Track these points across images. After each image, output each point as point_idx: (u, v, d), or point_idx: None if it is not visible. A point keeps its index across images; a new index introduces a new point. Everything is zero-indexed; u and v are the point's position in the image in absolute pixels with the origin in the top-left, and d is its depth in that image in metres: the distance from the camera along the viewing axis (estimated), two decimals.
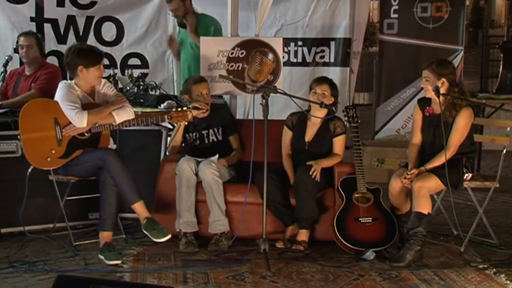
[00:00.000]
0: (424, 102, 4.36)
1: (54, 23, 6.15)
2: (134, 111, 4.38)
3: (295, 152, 4.61)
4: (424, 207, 4.09)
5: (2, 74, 5.14)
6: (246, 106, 5.83)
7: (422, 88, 4.36)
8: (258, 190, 4.31)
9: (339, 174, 4.45)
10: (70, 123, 4.20)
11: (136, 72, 5.48)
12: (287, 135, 4.64)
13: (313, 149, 4.53)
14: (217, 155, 4.54)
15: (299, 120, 4.62)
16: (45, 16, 6.12)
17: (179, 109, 4.38)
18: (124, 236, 4.59)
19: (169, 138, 4.80)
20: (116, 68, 6.16)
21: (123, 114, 4.29)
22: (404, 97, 6.58)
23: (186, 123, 4.46)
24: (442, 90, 4.22)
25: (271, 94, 4.20)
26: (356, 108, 4.59)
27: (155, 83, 5.28)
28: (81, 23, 6.22)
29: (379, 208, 4.37)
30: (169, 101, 5.02)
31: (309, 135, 4.59)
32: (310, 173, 4.30)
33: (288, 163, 4.56)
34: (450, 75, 4.25)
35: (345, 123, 4.66)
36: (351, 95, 6.37)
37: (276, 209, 4.42)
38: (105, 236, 4.21)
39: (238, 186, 4.50)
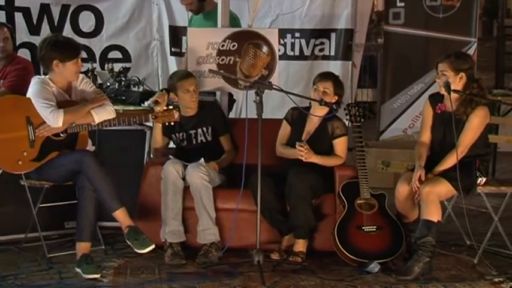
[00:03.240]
0: (436, 99, 4.38)
1: (26, 11, 6.12)
2: (115, 110, 4.38)
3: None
4: (433, 214, 4.10)
5: None
6: (238, 104, 5.83)
7: (431, 84, 4.38)
8: (252, 195, 4.32)
9: (340, 178, 4.47)
10: (44, 122, 4.19)
11: (117, 67, 5.46)
12: (285, 129, 4.68)
13: (309, 148, 4.52)
14: (202, 159, 4.55)
15: (299, 116, 4.65)
16: (16, 4, 6.10)
17: (165, 108, 4.39)
18: (103, 246, 4.58)
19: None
20: (95, 61, 6.14)
21: (103, 113, 4.29)
22: (411, 94, 6.58)
23: (173, 123, 4.46)
24: (459, 86, 4.22)
25: (266, 91, 4.20)
26: (359, 106, 4.61)
27: (138, 79, 5.27)
28: (56, 12, 6.20)
29: (384, 215, 4.38)
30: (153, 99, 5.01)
31: (307, 134, 4.63)
32: (299, 152, 4.35)
33: (284, 148, 4.59)
34: (469, 70, 4.26)
35: (347, 123, 4.68)
36: (353, 92, 6.37)
37: (271, 216, 4.44)
38: (83, 247, 4.20)
39: (229, 192, 4.50)
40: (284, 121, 4.71)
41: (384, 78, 6.91)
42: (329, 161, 4.53)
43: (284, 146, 4.65)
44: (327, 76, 4.65)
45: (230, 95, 5.46)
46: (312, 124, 4.64)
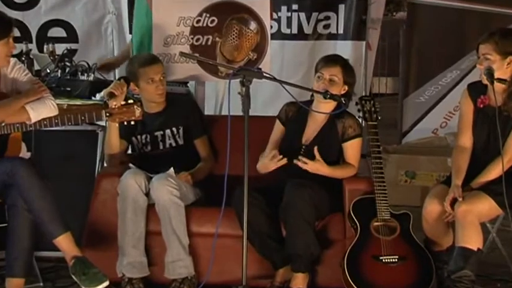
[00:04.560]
0: (477, 89, 4.40)
1: None
2: (58, 105, 4.38)
3: (286, 157, 4.61)
4: (472, 240, 4.12)
5: None
6: (219, 97, 5.84)
7: (470, 71, 4.40)
8: (236, 216, 4.35)
9: (350, 193, 4.50)
10: None
11: (60, 48, 5.46)
12: (278, 130, 4.71)
13: (312, 155, 4.53)
14: (171, 168, 4.57)
15: (297, 114, 4.68)
16: None
17: (123, 102, 4.41)
18: (41, 284, 4.58)
19: None
20: (31, 42, 6.13)
21: (42, 109, 4.28)
22: (444, 83, 6.59)
23: (133, 122, 4.47)
24: (507, 74, 4.24)
25: (255, 80, 4.21)
26: (375, 100, 4.64)
27: (88, 64, 5.28)
28: None
29: (409, 242, 4.40)
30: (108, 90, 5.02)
31: (308, 136, 4.65)
32: (300, 164, 4.38)
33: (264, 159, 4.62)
34: None
35: (360, 121, 4.71)
36: (368, 81, 6.39)
37: (262, 243, 4.45)
38: (14, 284, 4.19)
39: (207, 211, 4.54)
40: (277, 121, 4.73)
41: (407, 63, 6.90)
42: (339, 171, 4.56)
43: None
44: (333, 60, 4.67)
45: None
46: (315, 123, 4.67)
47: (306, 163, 4.42)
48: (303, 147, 4.62)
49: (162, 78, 4.78)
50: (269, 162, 4.50)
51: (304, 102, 4.64)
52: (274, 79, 4.27)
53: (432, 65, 6.69)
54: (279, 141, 4.71)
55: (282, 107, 4.75)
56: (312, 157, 4.51)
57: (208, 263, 4.41)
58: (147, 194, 4.49)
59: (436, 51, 6.66)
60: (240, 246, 4.08)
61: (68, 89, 5.12)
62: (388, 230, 4.40)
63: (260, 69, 4.47)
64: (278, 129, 4.73)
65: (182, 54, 4.96)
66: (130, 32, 6.48)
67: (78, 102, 4.91)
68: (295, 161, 4.43)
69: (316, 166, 4.44)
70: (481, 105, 4.38)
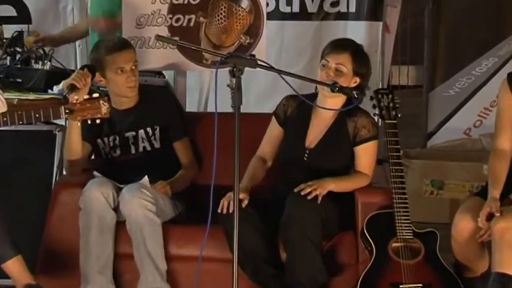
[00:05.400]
0: None
1: None
2: (6, 99, 4.36)
3: (287, 164, 4.64)
4: (511, 264, 4.12)
5: None
6: (204, 90, 5.82)
7: (510, 58, 4.39)
8: (225, 236, 4.34)
9: (364, 207, 4.49)
10: None
11: (9, 30, 5.47)
12: (274, 130, 4.71)
13: (318, 161, 4.55)
14: (145, 177, 4.58)
15: (298, 110, 4.67)
16: None
17: (86, 96, 4.38)
18: None
19: None
20: None
21: None
22: (478, 73, 6.62)
23: (99, 120, 4.45)
24: None
25: (247, 69, 4.19)
26: (394, 94, 4.62)
27: (44, 50, 5.28)
28: None
29: (435, 267, 4.39)
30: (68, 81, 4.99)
31: (313, 138, 4.63)
32: (303, 193, 4.33)
33: (254, 166, 4.61)
34: None
35: (376, 119, 4.69)
36: (385, 71, 6.39)
37: (256, 268, 4.45)
38: None
39: (189, 230, 4.55)
40: (273, 118, 4.71)
41: (434, 49, 6.93)
42: (350, 183, 4.55)
43: (258, 163, 4.65)
44: (342, 46, 4.64)
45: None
46: (320, 122, 4.65)
47: (310, 189, 4.36)
48: (306, 152, 4.60)
49: (134, 67, 4.77)
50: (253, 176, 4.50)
51: (307, 95, 4.60)
52: (270, 68, 4.25)
53: (464, 51, 6.71)
54: (273, 144, 4.69)
55: (280, 102, 4.74)
56: (318, 162, 4.54)
57: None
58: (116, 209, 4.49)
59: (468, 34, 6.69)
60: (230, 272, 4.03)
61: (19, 80, 5.12)
62: (410, 252, 4.38)
63: (254, 56, 4.46)
64: (273, 129, 4.72)
65: (159, 37, 4.89)
66: None
67: (32, 96, 4.91)
68: (295, 190, 4.40)
69: (323, 187, 4.38)
70: None
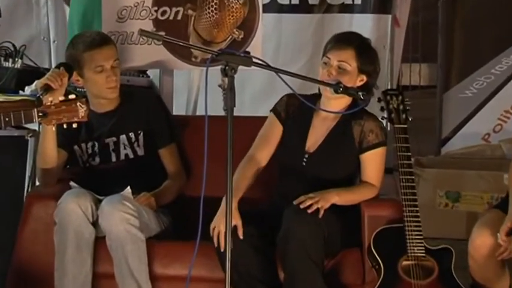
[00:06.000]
0: None
1: None
2: None
3: (284, 170, 4.66)
4: None
5: None
6: (193, 91, 5.82)
7: None
8: (216, 254, 4.33)
9: (371, 221, 4.50)
10: None
11: None
12: (273, 128, 4.70)
13: (317, 167, 4.56)
14: (128, 188, 4.57)
15: (300, 110, 4.67)
16: None
17: (62, 98, 4.38)
18: None
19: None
20: None
21: None
22: (498, 72, 6.63)
23: (76, 124, 4.44)
24: None
25: (241, 68, 4.19)
26: (404, 95, 4.62)
27: (14, 46, 5.29)
28: None
29: (450, 287, 4.38)
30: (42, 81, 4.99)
31: (313, 141, 4.65)
32: (303, 206, 4.33)
33: (243, 172, 4.57)
34: None
35: (384, 123, 4.71)
36: (395, 69, 6.40)
37: None
38: None
39: (176, 247, 4.55)
40: (271, 115, 4.70)
41: (448, 45, 6.94)
42: (355, 195, 4.56)
43: (249, 167, 4.62)
44: (346, 40, 4.64)
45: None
46: (322, 124, 4.66)
47: (310, 202, 4.36)
48: (306, 156, 4.61)
49: (115, 65, 4.78)
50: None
51: (307, 97, 4.60)
52: (267, 67, 4.26)
53: (482, 48, 6.73)
54: (273, 142, 4.68)
55: (281, 98, 4.73)
56: (319, 169, 4.55)
57: None
58: (95, 224, 4.49)
59: (487, 28, 6.70)
60: None
61: None
62: (422, 272, 4.37)
63: (248, 52, 4.48)
64: (273, 127, 4.70)
65: (142, 32, 4.91)
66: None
67: (1, 98, 4.92)
68: (295, 203, 4.40)
69: (325, 200, 4.38)
70: None
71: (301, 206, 4.36)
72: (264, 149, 4.67)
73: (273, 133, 4.70)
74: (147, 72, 5.59)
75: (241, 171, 4.56)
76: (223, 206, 4.19)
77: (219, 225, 4.29)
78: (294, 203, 4.39)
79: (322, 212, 4.34)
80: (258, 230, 4.44)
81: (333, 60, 4.55)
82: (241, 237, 4.28)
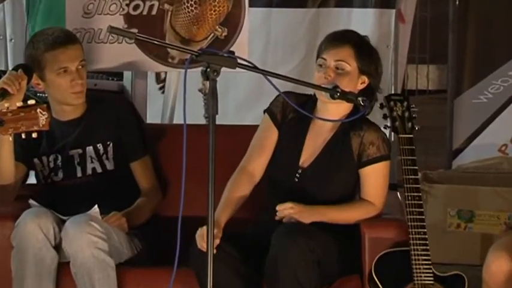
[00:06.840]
0: None
1: None
2: None
3: (273, 186, 4.69)
4: None
5: None
6: (169, 96, 5.86)
7: None
8: (197, 281, 4.37)
9: (372, 244, 4.54)
10: None
11: None
12: (268, 133, 4.71)
13: (312, 186, 4.59)
14: (95, 207, 4.59)
15: (295, 117, 4.70)
16: None
17: (20, 104, 4.40)
18: None
19: None
20: None
21: None
22: None
23: (36, 134, 4.46)
24: None
25: (224, 70, 4.24)
26: (410, 101, 4.66)
27: None
28: None
29: None
30: None
31: (308, 155, 4.68)
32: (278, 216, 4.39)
33: (235, 185, 4.61)
34: None
35: (387, 133, 4.76)
36: (399, 71, 6.44)
37: None
38: None
39: (151, 273, 4.58)
40: (266, 118, 4.72)
41: (460, 44, 6.98)
42: (351, 212, 4.60)
43: (240, 184, 4.65)
44: (341, 38, 4.69)
45: None
46: (317, 133, 4.71)
47: (287, 208, 4.44)
48: (299, 171, 4.65)
49: (80, 67, 4.81)
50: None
51: (300, 103, 4.60)
52: (254, 68, 4.28)
53: (499, 47, 6.76)
54: (269, 149, 4.70)
55: (276, 98, 4.72)
56: (310, 189, 4.58)
57: None
58: (58, 247, 4.51)
59: (503, 26, 6.73)
60: None
61: None
62: None
63: (233, 52, 4.49)
64: (270, 130, 4.72)
65: (112, 29, 4.97)
66: None
67: None
68: (277, 218, 4.46)
69: (305, 213, 4.44)
70: None
71: (277, 215, 4.42)
72: (257, 158, 4.69)
73: (267, 139, 4.72)
74: (121, 74, 5.61)
75: (232, 183, 4.61)
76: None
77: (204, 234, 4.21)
78: (276, 218, 4.42)
79: (283, 220, 4.41)
80: (243, 253, 4.47)
81: (329, 60, 4.58)
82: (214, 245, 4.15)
